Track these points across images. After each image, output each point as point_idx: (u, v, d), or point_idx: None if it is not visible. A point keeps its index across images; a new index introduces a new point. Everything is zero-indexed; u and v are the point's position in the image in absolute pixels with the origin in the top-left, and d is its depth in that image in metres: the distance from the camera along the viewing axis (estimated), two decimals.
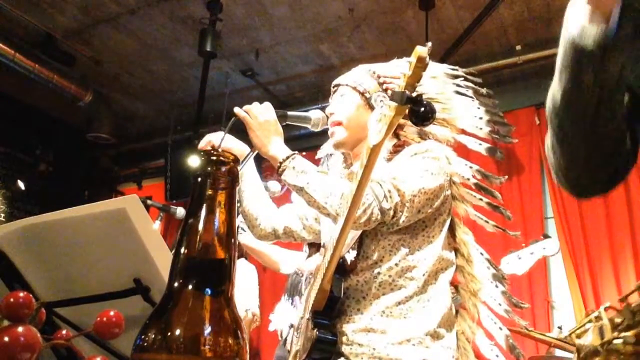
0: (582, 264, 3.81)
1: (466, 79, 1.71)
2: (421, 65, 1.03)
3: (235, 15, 4.16)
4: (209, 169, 0.62)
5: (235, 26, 4.27)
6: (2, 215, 5.34)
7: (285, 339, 2.51)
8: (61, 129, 5.75)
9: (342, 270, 1.50)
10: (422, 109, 1.06)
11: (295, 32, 4.34)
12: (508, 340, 1.58)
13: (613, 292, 3.65)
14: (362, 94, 1.66)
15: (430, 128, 1.66)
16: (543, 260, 3.95)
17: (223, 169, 0.62)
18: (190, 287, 0.58)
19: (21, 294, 0.61)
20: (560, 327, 3.18)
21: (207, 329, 0.56)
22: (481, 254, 1.64)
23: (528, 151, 4.19)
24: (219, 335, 0.56)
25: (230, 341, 0.57)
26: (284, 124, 1.62)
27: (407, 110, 1.07)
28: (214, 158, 0.62)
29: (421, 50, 1.02)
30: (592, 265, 3.79)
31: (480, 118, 1.65)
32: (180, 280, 0.59)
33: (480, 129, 1.65)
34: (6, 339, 0.55)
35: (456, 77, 1.72)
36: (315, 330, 1.45)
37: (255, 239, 1.80)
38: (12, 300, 0.60)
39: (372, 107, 1.64)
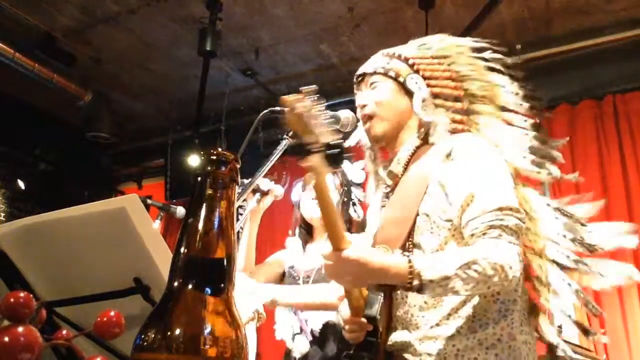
0: None
1: (493, 52, 1.59)
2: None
3: (235, 14, 4.16)
4: (209, 168, 0.62)
5: (235, 25, 4.27)
6: (2, 215, 5.34)
7: (290, 351, 2.34)
8: (61, 129, 5.73)
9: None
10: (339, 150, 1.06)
11: (295, 32, 4.34)
12: (579, 295, 1.44)
13: (613, 292, 3.65)
14: (395, 78, 1.56)
15: (475, 106, 1.56)
16: None
17: (223, 168, 0.62)
18: (190, 286, 0.58)
19: (21, 294, 0.61)
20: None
21: (207, 329, 0.56)
22: (547, 204, 1.48)
23: None
24: (218, 334, 0.56)
25: (230, 341, 0.57)
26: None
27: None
28: (214, 158, 0.62)
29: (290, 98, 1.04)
30: None
31: (517, 94, 1.55)
32: (180, 280, 0.59)
33: (521, 104, 1.54)
34: (6, 339, 0.55)
35: (481, 50, 1.61)
36: None
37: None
38: (12, 300, 0.60)
39: (407, 91, 1.56)
